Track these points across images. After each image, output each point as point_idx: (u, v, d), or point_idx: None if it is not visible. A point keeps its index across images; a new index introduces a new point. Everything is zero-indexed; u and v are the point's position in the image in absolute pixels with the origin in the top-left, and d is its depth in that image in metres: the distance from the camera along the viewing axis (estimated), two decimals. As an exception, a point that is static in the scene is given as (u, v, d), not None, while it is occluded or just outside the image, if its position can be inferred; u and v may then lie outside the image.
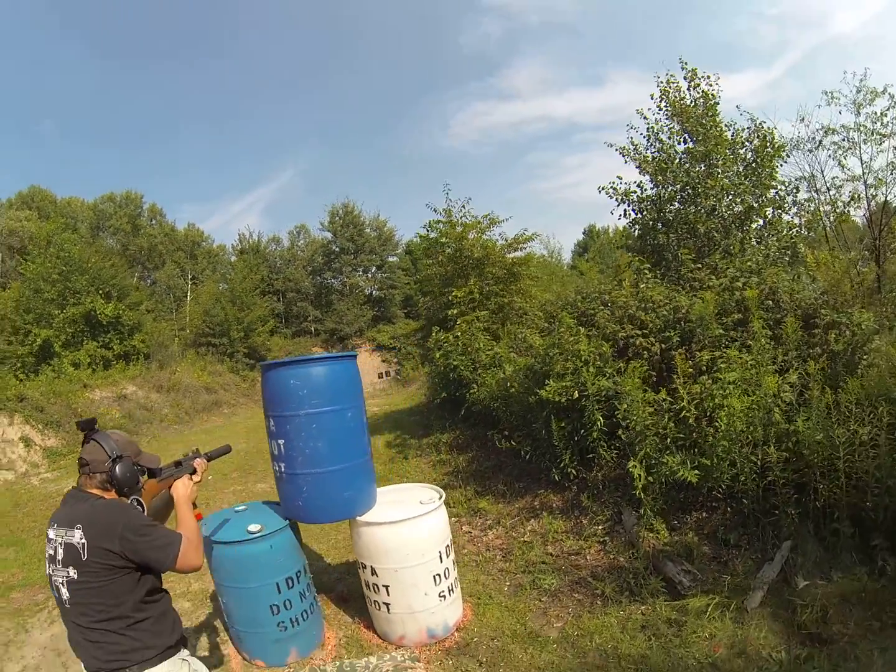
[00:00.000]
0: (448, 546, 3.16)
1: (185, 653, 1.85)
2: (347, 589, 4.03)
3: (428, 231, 9.66)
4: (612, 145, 6.99)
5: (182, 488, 2.07)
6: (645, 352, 4.42)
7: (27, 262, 16.64)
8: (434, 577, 3.05)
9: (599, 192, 6.63)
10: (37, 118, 53.41)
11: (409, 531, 2.97)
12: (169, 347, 19.16)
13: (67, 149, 52.00)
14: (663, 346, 4.44)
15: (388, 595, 3.08)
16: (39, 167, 53.21)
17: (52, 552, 1.72)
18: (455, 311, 8.05)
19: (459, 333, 7.14)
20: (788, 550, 3.18)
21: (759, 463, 3.32)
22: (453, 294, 8.26)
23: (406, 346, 21.10)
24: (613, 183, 6.64)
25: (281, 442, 2.98)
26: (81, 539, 1.63)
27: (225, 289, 22.59)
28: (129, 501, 1.86)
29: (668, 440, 3.65)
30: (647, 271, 5.28)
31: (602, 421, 4.05)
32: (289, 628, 3.12)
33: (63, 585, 1.67)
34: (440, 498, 3.20)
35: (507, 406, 5.58)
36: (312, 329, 25.23)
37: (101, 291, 16.45)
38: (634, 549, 3.65)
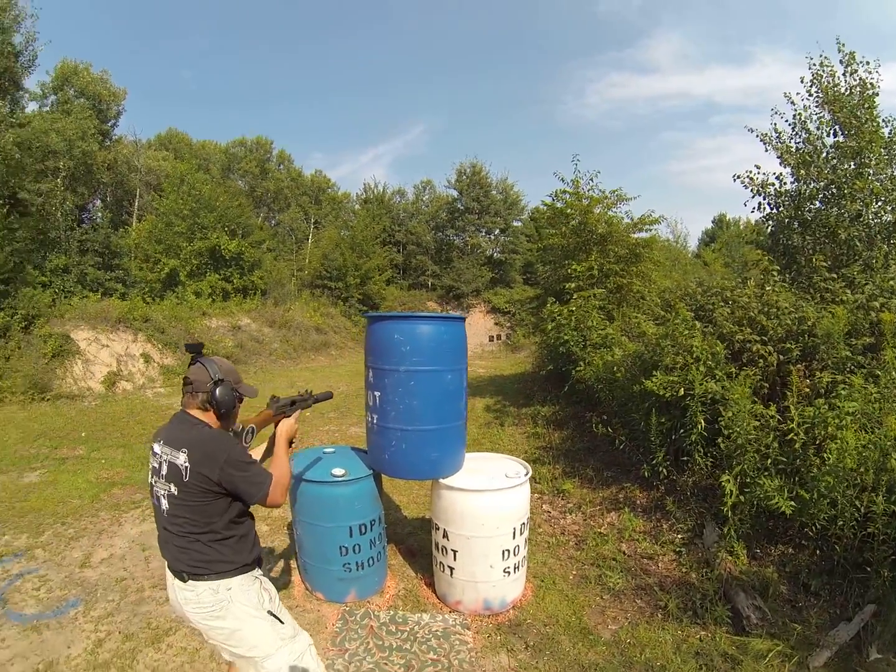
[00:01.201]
0: (524, 524, 3.11)
1: (258, 572, 2.01)
2: (418, 544, 4.13)
3: (554, 200, 9.34)
4: (752, 130, 6.33)
5: (285, 428, 2.19)
6: (760, 360, 4.06)
7: (161, 198, 18.01)
8: (503, 551, 3.03)
9: (734, 180, 6.08)
10: (177, 67, 57.25)
11: (489, 502, 2.96)
12: (285, 286, 20.06)
13: (205, 98, 55.66)
14: (781, 357, 4.06)
15: (455, 560, 3.10)
16: (178, 112, 57.48)
17: (156, 465, 1.89)
18: (573, 286, 7.83)
19: (574, 308, 6.96)
20: (870, 615, 2.82)
21: (862, 510, 2.93)
22: (573, 267, 8.06)
23: (521, 312, 20.85)
24: (751, 172, 6.04)
25: (377, 394, 3.02)
26: (185, 462, 1.78)
27: (346, 235, 23.01)
28: (243, 431, 2.06)
29: (769, 461, 3.33)
30: (775, 273, 4.79)
31: (703, 425, 3.76)
32: (353, 571, 3.26)
33: (164, 497, 1.86)
34: (526, 474, 3.13)
35: (610, 390, 5.37)
36: (429, 283, 25.42)
37: (226, 228, 17.54)
38: (709, 568, 3.43)
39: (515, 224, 27.61)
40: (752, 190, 6.03)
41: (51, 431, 7.75)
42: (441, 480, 3.08)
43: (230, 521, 1.88)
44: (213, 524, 1.84)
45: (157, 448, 1.91)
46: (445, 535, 3.10)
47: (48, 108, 16.30)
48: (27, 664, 2.98)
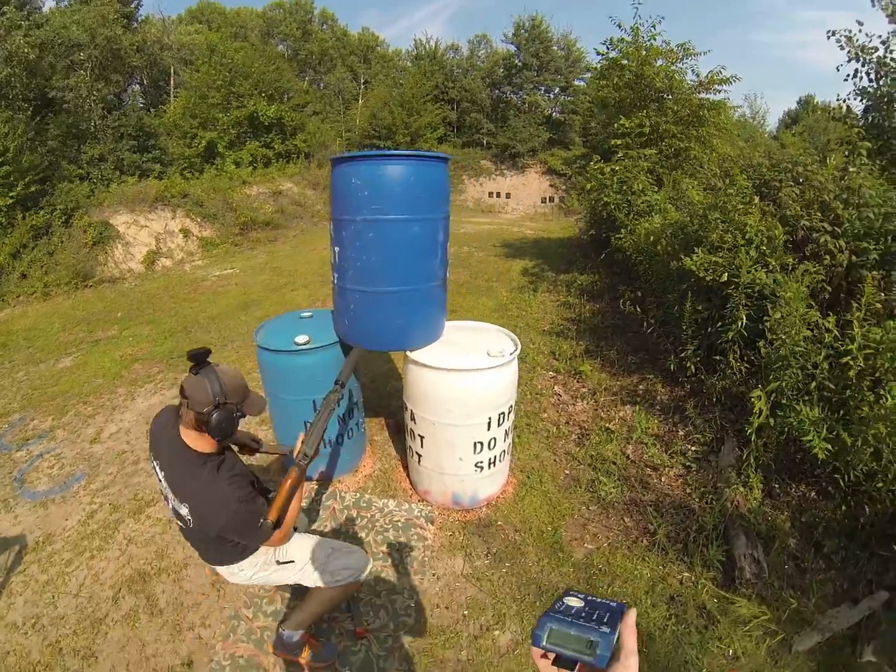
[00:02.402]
0: (504, 413, 2.66)
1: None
2: (409, 420, 3.91)
3: (608, 48, 8.00)
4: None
5: (296, 477, 1.90)
6: (827, 256, 3.18)
7: (192, 71, 17.31)
8: (475, 444, 2.64)
9: (829, 36, 4.81)
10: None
11: (458, 384, 2.47)
12: (330, 147, 19.40)
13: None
14: (854, 258, 3.14)
15: (422, 447, 2.78)
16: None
17: (163, 492, 1.81)
18: (620, 143, 6.94)
19: (618, 168, 6.17)
20: (881, 604, 2.25)
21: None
22: (621, 122, 7.08)
23: (575, 174, 19.42)
24: (849, 31, 4.76)
25: (336, 249, 2.52)
26: (188, 516, 1.72)
27: (396, 93, 21.91)
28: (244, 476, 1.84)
29: (813, 384, 2.64)
30: (864, 152, 3.76)
31: (744, 321, 3.09)
32: (324, 448, 3.02)
33: (177, 519, 1.82)
34: (511, 353, 2.61)
35: (649, 264, 4.74)
36: (484, 142, 23.83)
37: (263, 94, 16.82)
38: (715, 495, 2.90)
39: (577, 83, 25.02)
40: (849, 52, 4.74)
41: (90, 316, 7.94)
42: (408, 353, 2.64)
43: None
44: (225, 549, 1.89)
45: (158, 473, 1.79)
46: (412, 418, 2.74)
47: (66, 2, 15.50)
48: (31, 537, 3.25)
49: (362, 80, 25.52)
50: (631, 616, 0.72)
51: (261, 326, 3.06)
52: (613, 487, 3.13)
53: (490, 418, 2.58)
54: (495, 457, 2.77)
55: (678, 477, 3.22)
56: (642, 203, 5.52)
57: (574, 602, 0.76)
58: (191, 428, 1.68)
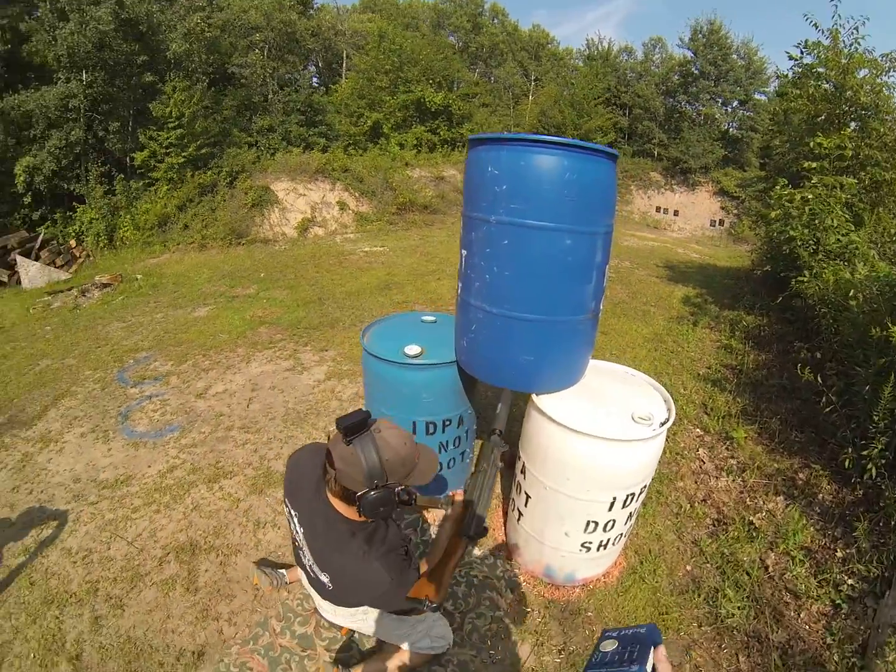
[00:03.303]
0: (634, 495, 2.04)
1: None
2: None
3: (802, 52, 6.70)
4: None
5: (461, 553, 1.59)
6: None
7: (362, 55, 18.07)
8: (589, 522, 2.07)
9: None
10: None
11: (586, 452, 1.88)
12: None
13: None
14: None
15: (525, 506, 2.26)
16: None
17: (296, 542, 1.58)
18: (815, 166, 5.79)
19: (810, 196, 5.15)
20: None
21: None
22: (817, 141, 5.87)
23: (750, 198, 17.81)
24: None
25: (464, 253, 2.02)
26: (329, 584, 1.47)
27: (567, 93, 21.32)
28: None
29: None
30: None
31: None
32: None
33: (308, 574, 1.60)
34: (661, 424, 1.94)
35: (835, 321, 3.89)
36: (655, 153, 22.40)
37: (431, 81, 17.09)
38: (862, 663, 2.03)
39: (757, 97, 22.29)
40: None
41: (235, 272, 8.47)
42: (533, 397, 2.08)
43: None
44: None
45: (294, 523, 1.52)
46: (523, 471, 2.23)
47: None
48: (114, 473, 3.36)
49: (532, 77, 25.00)
50: (661, 649, 0.74)
51: (372, 325, 2.73)
52: (739, 608, 2.35)
53: (615, 498, 1.99)
54: (609, 540, 2.18)
55: (822, 617, 2.33)
56: (834, 243, 4.57)
57: (609, 646, 0.78)
58: (338, 498, 1.37)
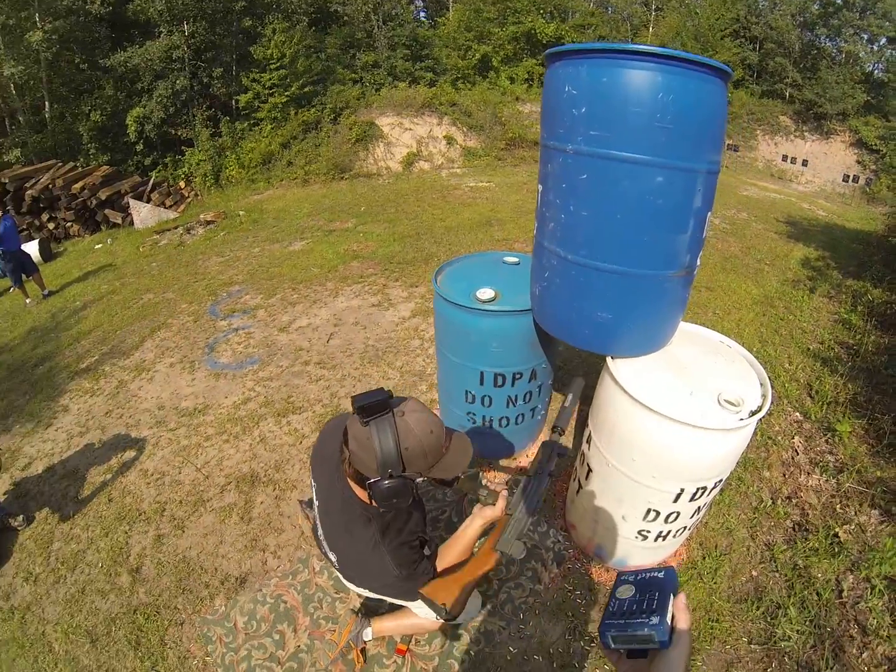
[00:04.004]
0: (706, 489, 1.73)
1: None
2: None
3: None
4: None
5: (487, 516, 1.41)
6: None
7: None
8: (650, 511, 1.82)
9: None
10: None
11: (659, 433, 1.59)
12: None
13: None
14: None
15: (586, 479, 2.04)
16: None
17: (312, 512, 1.53)
18: None
19: None
20: None
21: None
22: None
23: (893, 153, 15.50)
24: None
25: (540, 189, 1.74)
26: (336, 563, 1.47)
27: (690, 24, 19.36)
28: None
29: None
30: None
31: None
32: (478, 424, 2.53)
33: (319, 545, 1.54)
34: (752, 414, 1.57)
35: None
36: (787, 94, 19.65)
37: (542, 11, 16.09)
38: None
39: None
40: None
41: (336, 205, 8.54)
42: (609, 360, 1.79)
43: None
44: None
45: (314, 494, 1.45)
46: (589, 440, 1.99)
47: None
48: (195, 401, 3.52)
49: (653, 6, 22.44)
50: (680, 599, 0.72)
51: (449, 263, 2.55)
52: (798, 632, 2.01)
53: (682, 490, 1.71)
54: (669, 532, 1.92)
55: (886, 661, 1.93)
56: None
57: (625, 592, 0.75)
58: (353, 480, 1.24)
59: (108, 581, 2.26)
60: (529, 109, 13.81)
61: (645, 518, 1.86)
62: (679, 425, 1.54)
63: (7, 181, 8.89)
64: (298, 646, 1.96)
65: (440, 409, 2.97)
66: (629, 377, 1.71)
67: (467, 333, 2.21)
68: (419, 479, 1.19)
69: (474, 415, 2.52)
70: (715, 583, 2.21)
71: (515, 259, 2.57)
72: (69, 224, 9.34)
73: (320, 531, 1.45)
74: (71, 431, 3.35)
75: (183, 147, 10.98)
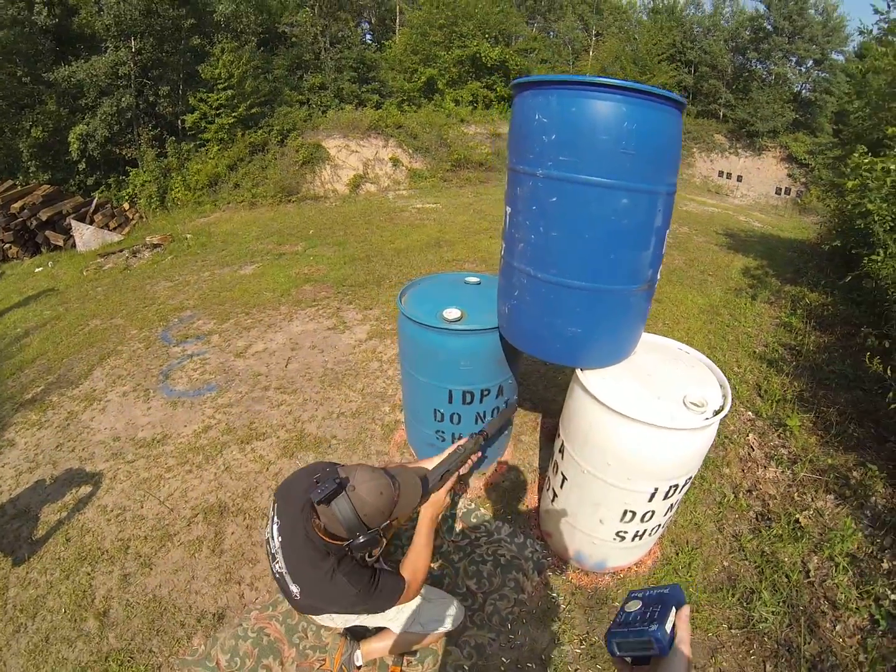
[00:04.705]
0: (677, 487, 1.85)
1: None
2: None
3: (889, 6, 5.95)
4: None
5: (432, 509, 1.69)
6: None
7: (414, 10, 17.41)
8: (626, 512, 1.91)
9: None
10: None
11: (630, 438, 1.71)
12: None
13: None
14: None
15: (560, 488, 2.12)
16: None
17: (269, 549, 1.59)
18: None
19: (893, 167, 4.63)
20: None
21: None
22: None
23: (821, 166, 16.70)
24: None
25: (508, 211, 1.83)
26: (297, 595, 1.51)
27: (629, 49, 20.33)
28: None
29: None
30: None
31: None
32: (447, 441, 2.55)
33: (280, 583, 1.58)
34: (715, 414, 1.71)
35: None
36: (721, 114, 21.22)
37: (487, 36, 16.53)
38: None
39: (834, 57, 20.62)
40: None
41: (284, 229, 8.44)
42: (578, 371, 1.90)
43: None
44: None
45: (273, 528, 1.55)
46: (561, 450, 2.07)
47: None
48: (152, 431, 3.39)
49: (593, 31, 23.56)
50: (684, 610, 0.76)
51: (411, 284, 2.61)
52: (773, 613, 2.16)
53: (657, 489, 1.81)
54: (645, 531, 2.02)
55: (858, 631, 2.11)
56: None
57: (633, 606, 0.79)
58: (325, 536, 1.44)
59: (74, 627, 2.12)
60: (474, 131, 14.15)
61: (622, 519, 1.94)
62: (651, 428, 1.64)
63: (-63, 201, 8.34)
64: (286, 678, 1.92)
65: (407, 429, 2.99)
66: (599, 387, 1.80)
67: (435, 353, 2.26)
68: (384, 524, 1.40)
69: (443, 433, 2.55)
70: (690, 576, 2.32)
71: (477, 279, 2.65)
72: (7, 246, 8.80)
73: (282, 566, 1.52)
74: (19, 467, 3.15)
75: (127, 167, 10.60)
